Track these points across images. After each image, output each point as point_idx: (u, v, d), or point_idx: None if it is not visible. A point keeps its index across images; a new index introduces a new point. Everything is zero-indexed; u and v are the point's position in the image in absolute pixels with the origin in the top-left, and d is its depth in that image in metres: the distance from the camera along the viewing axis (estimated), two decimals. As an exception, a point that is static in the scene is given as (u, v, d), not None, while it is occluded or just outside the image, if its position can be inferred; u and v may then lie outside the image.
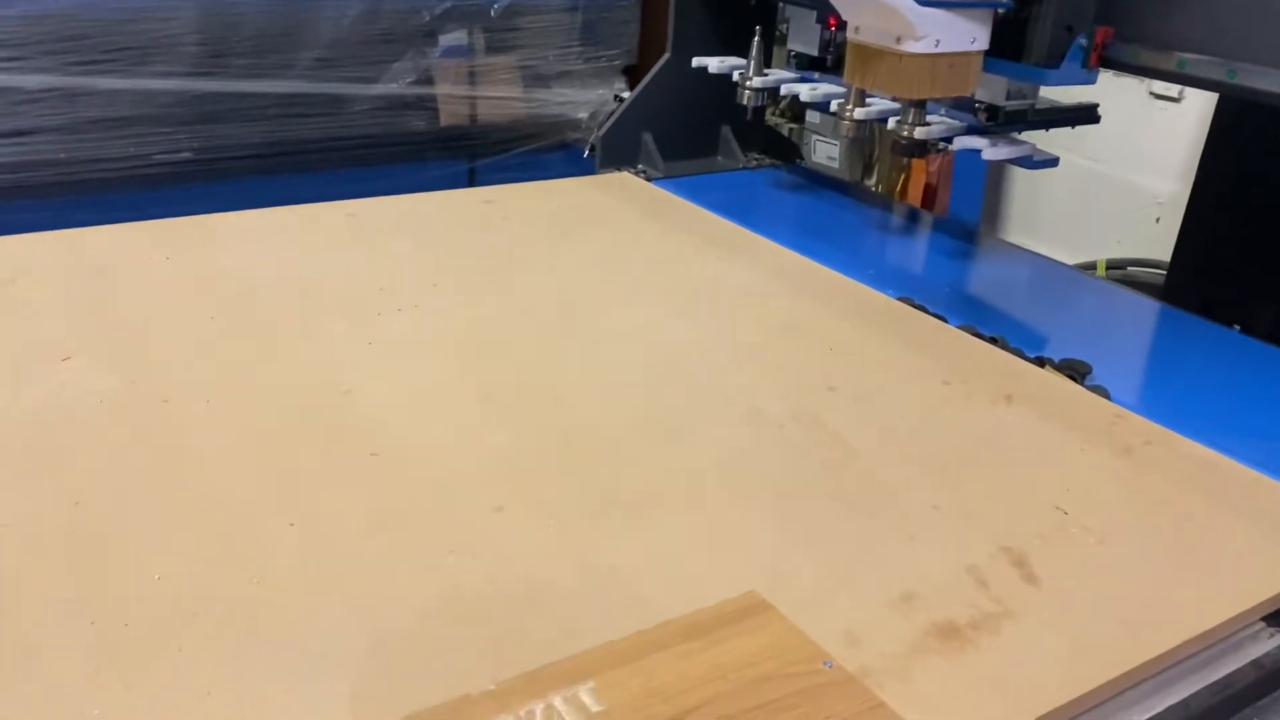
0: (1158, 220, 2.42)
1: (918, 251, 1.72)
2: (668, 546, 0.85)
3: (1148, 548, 0.88)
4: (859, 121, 1.48)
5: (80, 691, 0.67)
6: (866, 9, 1.23)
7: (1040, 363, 1.22)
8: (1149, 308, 1.49)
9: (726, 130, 1.94)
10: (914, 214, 2.09)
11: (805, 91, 1.63)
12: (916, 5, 1.17)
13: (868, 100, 1.48)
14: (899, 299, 1.36)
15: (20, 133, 2.02)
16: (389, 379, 1.09)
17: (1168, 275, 2.01)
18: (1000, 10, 1.26)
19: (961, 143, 1.44)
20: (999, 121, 1.50)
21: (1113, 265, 2.44)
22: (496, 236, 1.51)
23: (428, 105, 2.48)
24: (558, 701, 0.66)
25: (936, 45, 1.21)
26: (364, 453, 0.95)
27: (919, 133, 1.42)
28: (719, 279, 1.40)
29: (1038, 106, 1.48)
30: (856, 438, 1.02)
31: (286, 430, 0.99)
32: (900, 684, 0.71)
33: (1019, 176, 2.77)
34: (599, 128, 1.85)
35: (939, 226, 1.84)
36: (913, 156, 1.65)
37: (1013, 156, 1.44)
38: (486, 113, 2.55)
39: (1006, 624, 0.78)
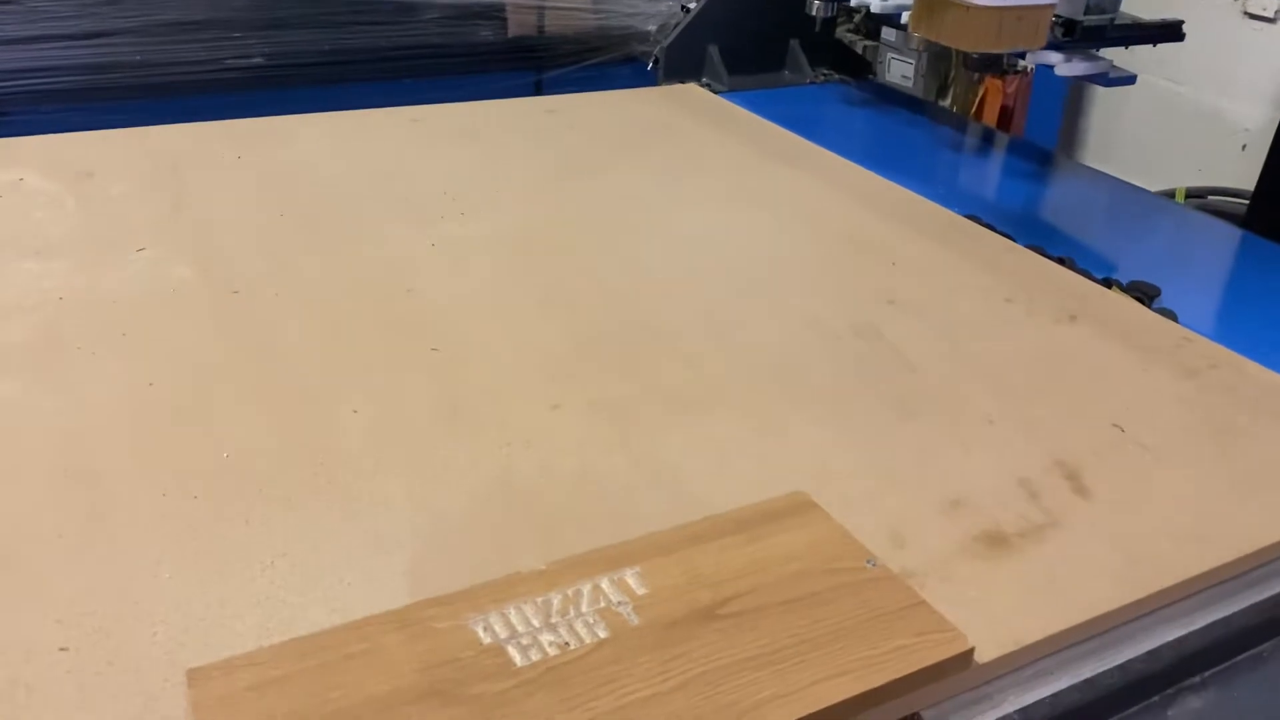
0: (1244, 148, 2.33)
1: (989, 171, 1.68)
2: (719, 445, 0.86)
3: (1204, 467, 0.87)
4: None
5: (151, 556, 0.71)
6: None
7: (1108, 284, 1.19)
8: (1227, 233, 1.45)
9: (795, 44, 1.90)
10: (988, 134, 2.04)
11: (876, 2, 1.59)
12: None
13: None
14: (966, 216, 1.33)
15: (99, 34, 2.05)
16: (450, 279, 1.10)
17: (1250, 204, 1.94)
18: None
19: (1034, 58, 1.40)
20: (1076, 37, 1.45)
21: (1193, 194, 2.36)
22: (559, 144, 1.51)
23: (496, 15, 2.46)
24: (604, 583, 0.68)
25: None
26: (425, 348, 0.97)
27: None
28: (781, 190, 1.39)
29: (1117, 22, 1.43)
30: (914, 350, 1.02)
31: (351, 324, 1.01)
32: (943, 584, 0.72)
33: (1098, 100, 2.68)
34: (664, 39, 1.82)
35: (1013, 147, 1.79)
36: (985, 73, 1.60)
37: (1088, 73, 1.40)
38: (554, 23, 2.52)
39: (1054, 534, 0.78)
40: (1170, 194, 2.46)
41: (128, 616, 0.66)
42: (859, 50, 1.98)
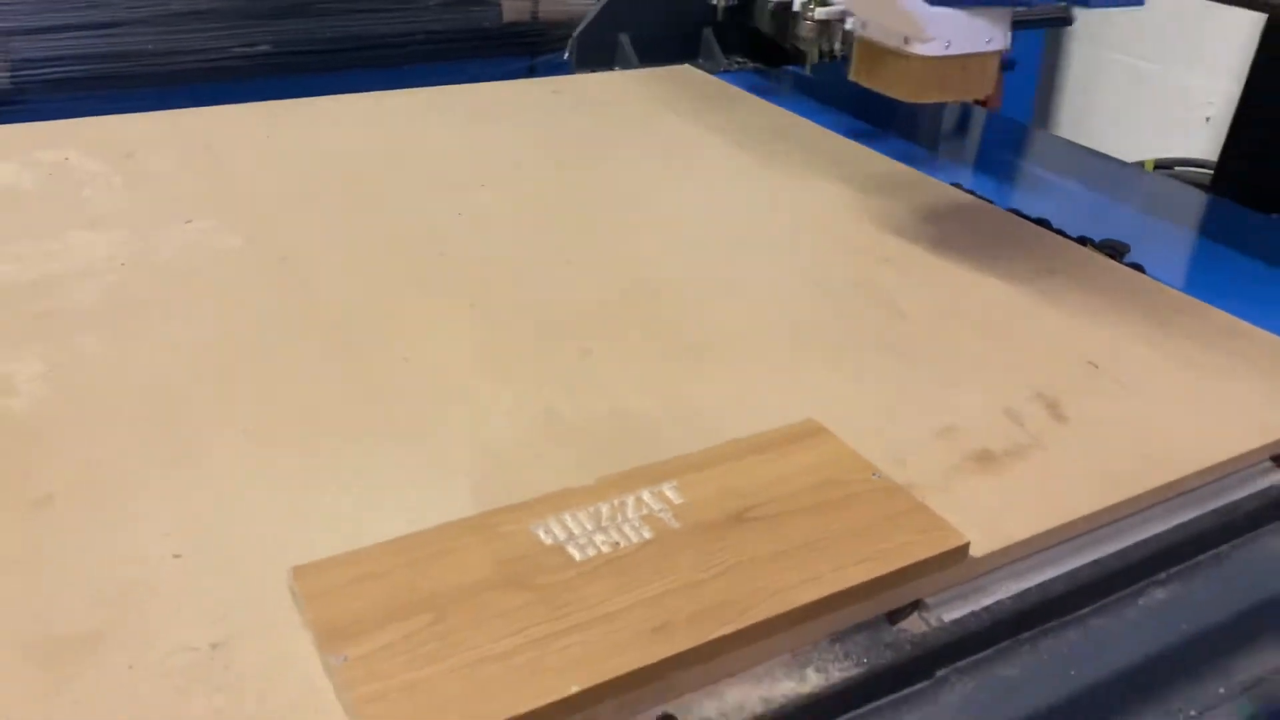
0: (1208, 120, 2.45)
1: (967, 144, 1.78)
2: (735, 385, 0.96)
3: (1170, 397, 0.97)
4: (821, 22, 1.47)
5: (241, 482, 0.80)
6: (872, 4, 1.12)
7: (1082, 242, 1.30)
8: (1190, 197, 1.55)
9: (708, 33, 1.91)
10: (965, 110, 2.14)
11: None
12: (925, 4, 1.05)
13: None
14: (950, 184, 1.43)
15: (114, 24, 2.12)
16: (479, 244, 1.19)
17: (1214, 174, 2.05)
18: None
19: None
20: None
21: (1161, 165, 2.47)
22: (568, 122, 1.59)
23: (492, 2, 2.54)
24: (645, 495, 0.77)
25: (947, 47, 1.08)
26: (464, 304, 1.06)
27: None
28: (780, 162, 1.48)
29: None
30: (907, 301, 1.12)
31: (393, 284, 1.10)
32: (940, 495, 0.81)
33: (1071, 79, 2.79)
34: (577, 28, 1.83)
35: (990, 122, 1.89)
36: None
37: None
38: (547, 9, 2.60)
39: (1037, 453, 0.88)
40: (1139, 165, 2.58)
41: (228, 530, 0.75)
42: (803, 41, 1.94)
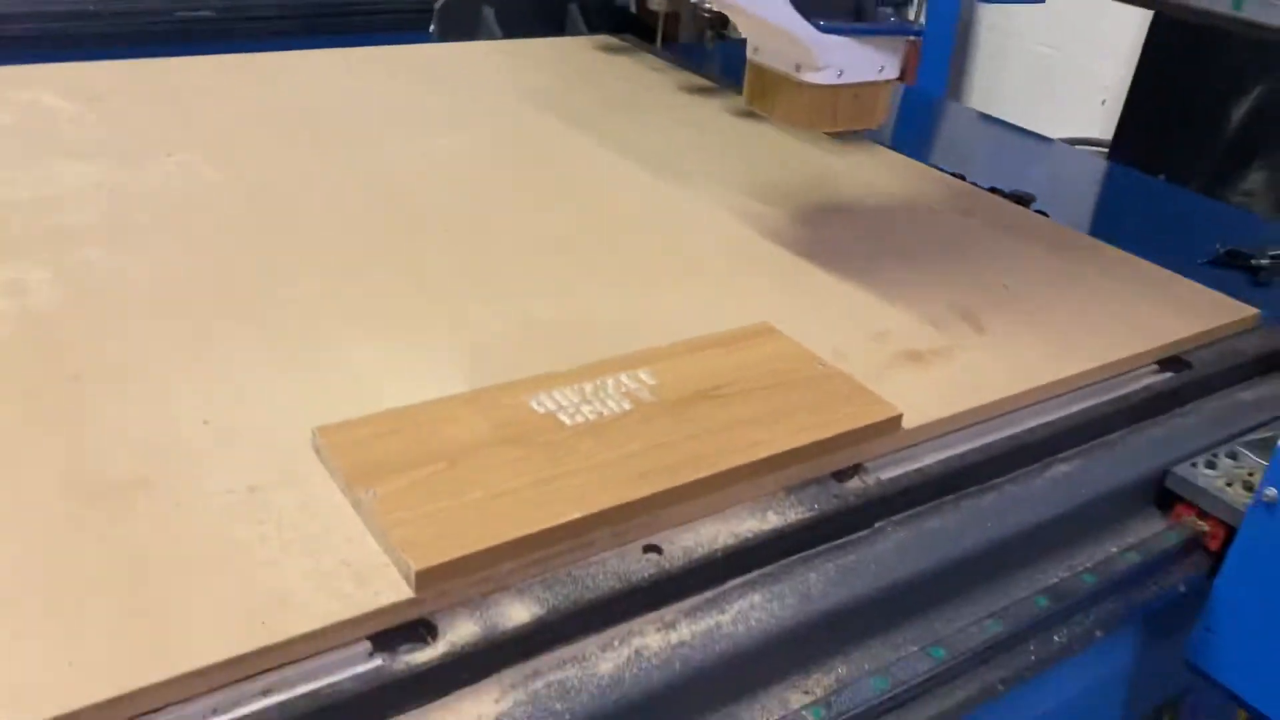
0: (1103, 102, 2.64)
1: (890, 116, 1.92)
2: (693, 298, 1.07)
3: (1073, 311, 1.11)
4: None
5: (259, 362, 0.88)
6: (764, 30, 1.08)
7: (994, 191, 1.44)
8: (1089, 161, 1.71)
9: (574, 8, 1.90)
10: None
11: None
12: (817, 31, 1.02)
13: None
14: (873, 141, 1.56)
15: (57, -17, 2.14)
16: (448, 183, 1.28)
17: (1112, 141, 2.23)
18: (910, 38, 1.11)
19: None
20: None
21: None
22: (515, 80, 1.68)
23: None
24: (623, 376, 0.87)
25: (839, 76, 1.05)
26: (440, 231, 1.15)
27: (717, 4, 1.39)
28: (710, 118, 1.59)
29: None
30: (841, 236, 1.24)
31: (371, 214, 1.18)
32: (877, 383, 0.93)
33: (980, 64, 2.97)
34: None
35: (908, 94, 2.04)
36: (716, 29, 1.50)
37: None
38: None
39: (958, 353, 1.01)
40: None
41: (250, 400, 0.83)
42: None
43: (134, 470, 0.74)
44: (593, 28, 1.88)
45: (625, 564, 0.73)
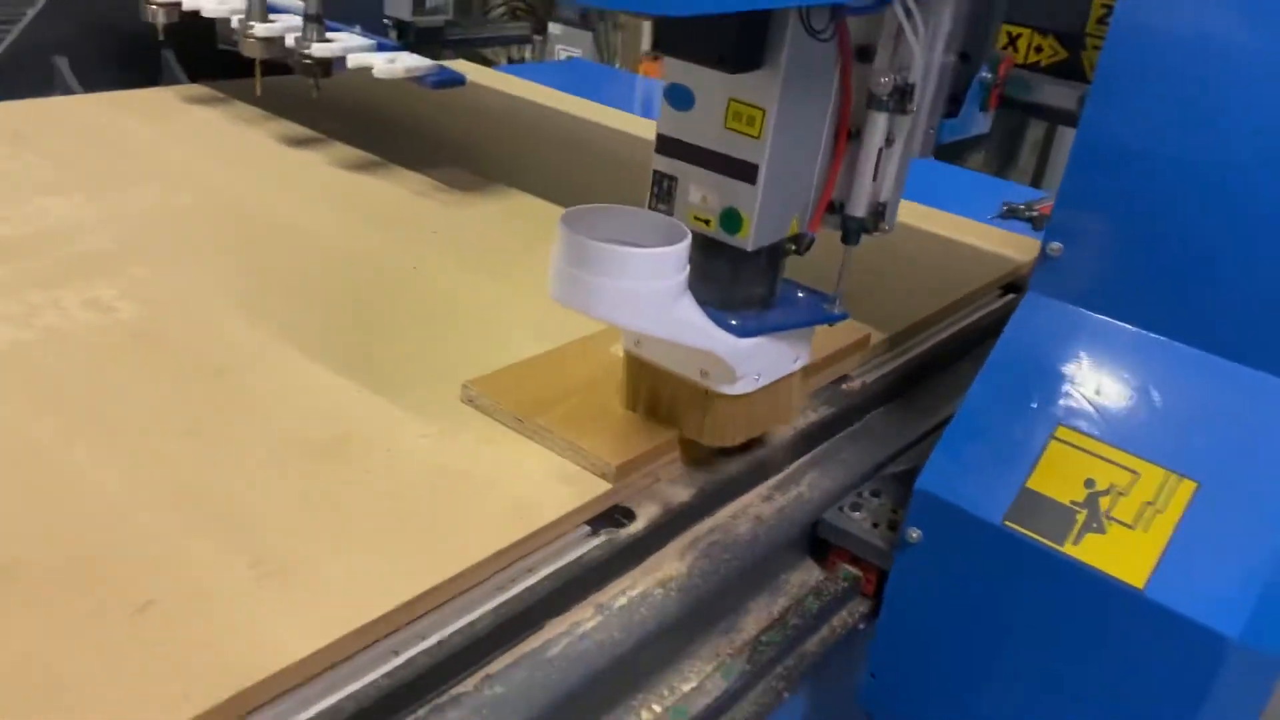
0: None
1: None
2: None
3: (928, 250, 1.44)
4: (266, 40, 1.39)
5: (388, 340, 1.02)
6: (663, 339, 0.84)
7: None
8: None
9: (168, 55, 1.73)
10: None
11: (210, 6, 1.49)
12: (735, 340, 0.83)
13: (271, 16, 1.40)
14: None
15: None
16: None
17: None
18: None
19: (355, 60, 1.39)
20: (409, 40, 1.51)
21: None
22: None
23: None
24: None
25: (758, 380, 0.88)
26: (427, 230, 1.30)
27: (318, 50, 1.38)
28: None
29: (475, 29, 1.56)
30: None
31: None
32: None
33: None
34: None
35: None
36: (316, 76, 1.41)
37: (411, 75, 1.40)
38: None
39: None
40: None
41: (394, 364, 0.97)
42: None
43: (334, 429, 0.87)
44: (193, 75, 1.69)
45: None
